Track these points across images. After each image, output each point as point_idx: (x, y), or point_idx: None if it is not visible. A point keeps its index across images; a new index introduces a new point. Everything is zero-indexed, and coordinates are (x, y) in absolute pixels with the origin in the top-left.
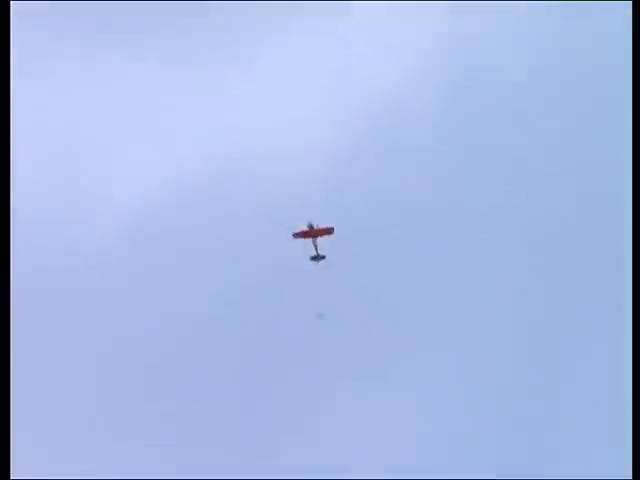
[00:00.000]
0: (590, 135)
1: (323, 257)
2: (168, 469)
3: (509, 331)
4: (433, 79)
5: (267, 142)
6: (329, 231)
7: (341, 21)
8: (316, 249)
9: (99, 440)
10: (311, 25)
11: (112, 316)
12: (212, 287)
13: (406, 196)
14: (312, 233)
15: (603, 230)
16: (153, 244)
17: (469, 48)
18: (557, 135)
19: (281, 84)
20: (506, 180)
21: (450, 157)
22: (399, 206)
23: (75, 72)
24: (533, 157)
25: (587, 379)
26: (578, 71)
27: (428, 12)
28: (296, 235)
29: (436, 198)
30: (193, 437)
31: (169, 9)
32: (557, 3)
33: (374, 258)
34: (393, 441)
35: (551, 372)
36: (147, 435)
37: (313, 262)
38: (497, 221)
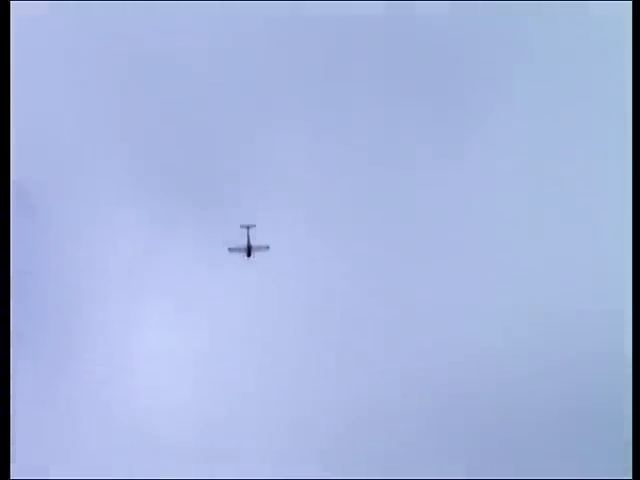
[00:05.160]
0: (589, 136)
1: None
2: None
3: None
4: None
5: None
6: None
7: None
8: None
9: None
10: None
11: None
12: None
13: None
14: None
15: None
16: None
17: None
18: (556, 135)
19: None
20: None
21: None
22: None
23: None
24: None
25: (587, 377)
26: (578, 71)
27: None
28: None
29: None
30: None
31: None
32: (557, 3)
33: None
34: None
35: (551, 371)
36: None
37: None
38: None
